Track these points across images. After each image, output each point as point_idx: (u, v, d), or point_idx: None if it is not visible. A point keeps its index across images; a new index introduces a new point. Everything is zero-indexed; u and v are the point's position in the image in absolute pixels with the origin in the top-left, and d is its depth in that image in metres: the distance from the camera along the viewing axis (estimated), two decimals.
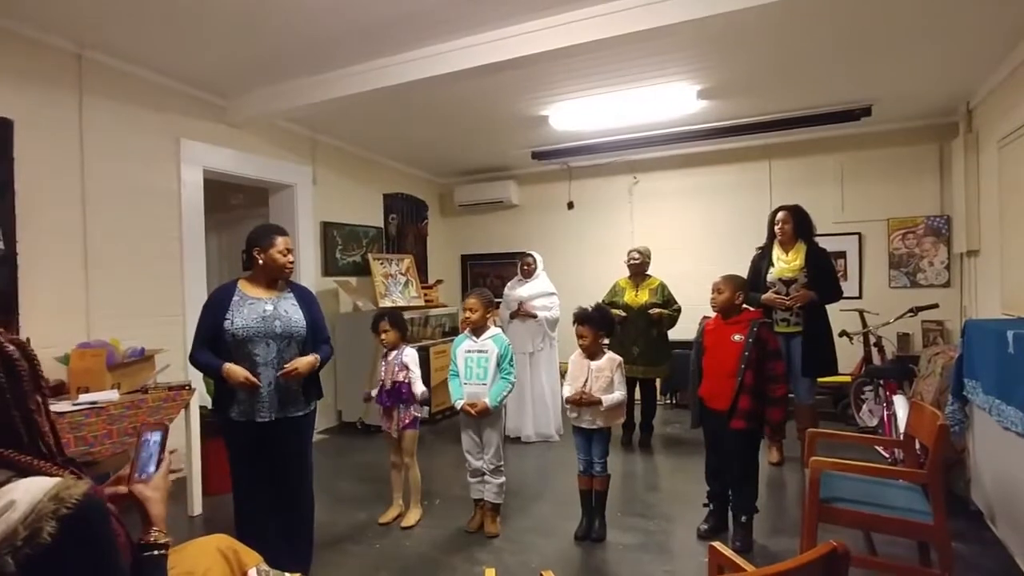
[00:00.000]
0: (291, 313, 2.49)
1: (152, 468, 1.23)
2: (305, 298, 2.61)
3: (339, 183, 5.64)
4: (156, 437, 1.27)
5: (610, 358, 2.96)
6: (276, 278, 2.52)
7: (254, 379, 2.34)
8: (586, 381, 2.92)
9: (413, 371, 3.18)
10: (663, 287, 4.60)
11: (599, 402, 2.85)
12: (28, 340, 3.01)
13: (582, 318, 2.98)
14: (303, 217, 5.17)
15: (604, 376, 2.91)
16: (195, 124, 4.18)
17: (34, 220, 3.17)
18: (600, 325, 2.96)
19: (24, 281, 3.09)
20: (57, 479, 0.89)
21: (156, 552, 1.14)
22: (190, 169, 4.11)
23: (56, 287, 3.31)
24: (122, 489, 1.20)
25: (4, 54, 3.11)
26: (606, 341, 3.09)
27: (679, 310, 4.55)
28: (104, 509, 0.94)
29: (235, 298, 2.42)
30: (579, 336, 2.99)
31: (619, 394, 2.90)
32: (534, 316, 4.66)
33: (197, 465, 3.43)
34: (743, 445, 2.82)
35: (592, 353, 2.97)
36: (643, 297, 4.55)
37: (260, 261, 2.46)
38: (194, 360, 2.44)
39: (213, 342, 2.39)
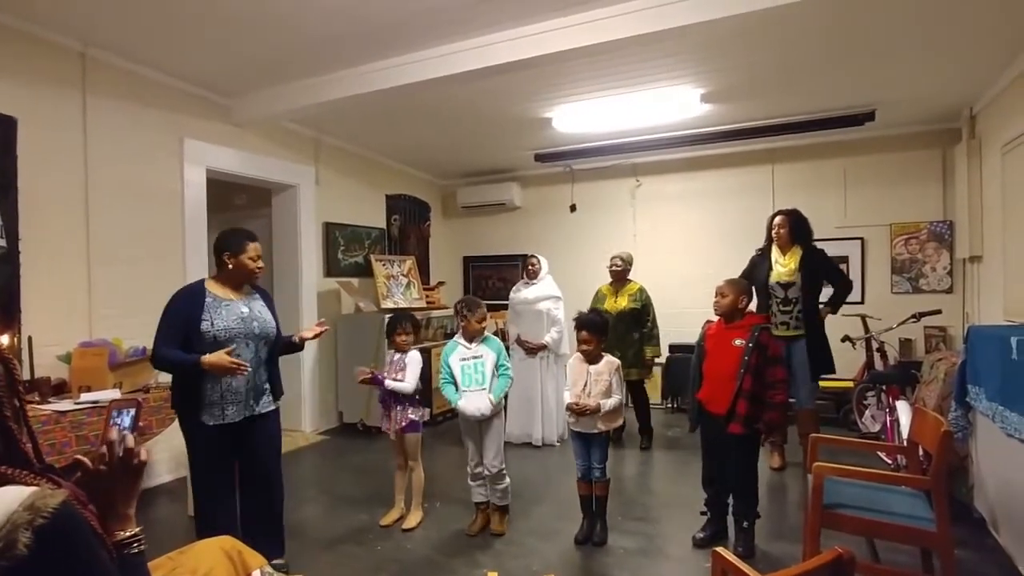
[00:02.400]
0: (264, 314, 2.57)
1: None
2: (269, 299, 2.69)
3: (342, 184, 5.65)
4: (128, 416, 1.16)
5: (608, 361, 2.96)
6: (244, 282, 2.56)
7: (239, 362, 2.33)
8: (585, 385, 2.93)
9: (409, 370, 3.18)
10: (642, 291, 4.64)
11: (597, 410, 2.85)
12: (30, 339, 3.01)
13: (584, 324, 2.97)
14: (305, 217, 5.18)
15: (603, 380, 2.91)
16: (199, 124, 4.18)
17: (37, 218, 3.17)
18: (600, 329, 2.98)
19: (27, 279, 3.09)
20: (33, 488, 0.87)
21: (134, 549, 1.08)
22: (193, 169, 4.12)
23: (59, 286, 3.31)
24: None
25: (8, 52, 3.12)
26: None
27: (654, 325, 4.61)
28: (81, 518, 0.91)
29: (208, 299, 2.41)
30: (583, 342, 2.98)
31: (616, 399, 2.90)
32: (544, 347, 4.66)
33: None
34: (742, 450, 2.81)
35: (593, 357, 2.97)
36: (622, 303, 4.61)
37: (230, 266, 2.49)
38: (162, 357, 2.33)
39: (184, 342, 2.34)
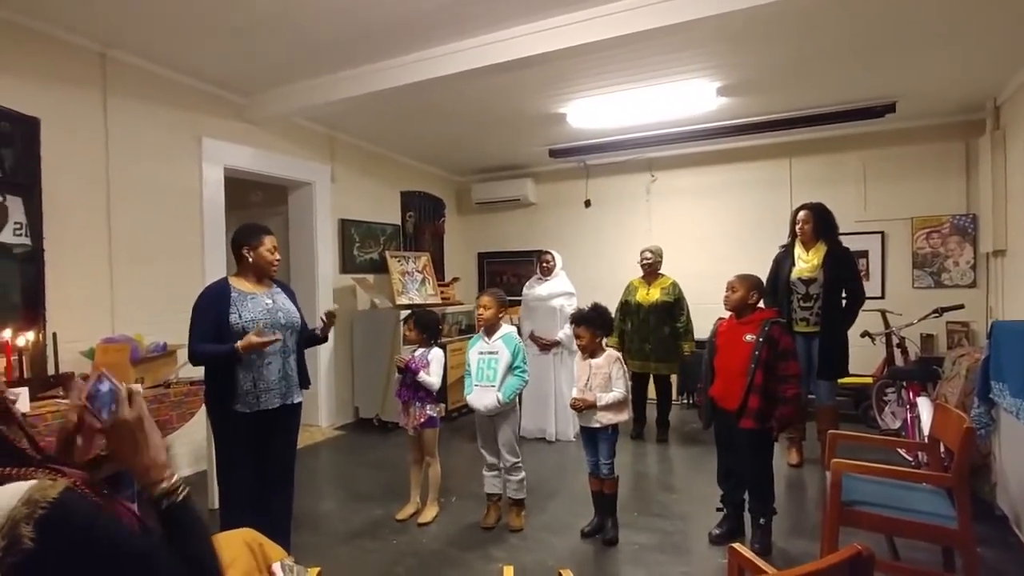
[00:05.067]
0: (288, 306, 2.66)
1: (107, 413, 1.03)
2: (291, 293, 2.76)
3: (357, 181, 5.68)
4: (105, 386, 1.04)
5: (608, 355, 2.97)
6: (264, 275, 2.62)
7: (269, 337, 2.41)
8: (587, 380, 2.94)
9: (432, 367, 3.20)
10: (675, 285, 4.67)
11: (594, 404, 2.86)
12: (55, 335, 3.07)
13: (577, 320, 3.00)
14: (321, 214, 5.22)
15: (602, 373, 2.92)
16: (216, 123, 4.23)
17: (60, 217, 3.23)
18: (596, 324, 2.97)
19: (51, 277, 3.15)
20: (31, 482, 0.87)
21: (177, 497, 1.02)
22: (211, 167, 4.17)
23: (81, 283, 3.37)
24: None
25: (31, 54, 3.18)
26: (605, 340, 3.09)
27: (688, 320, 4.66)
28: (85, 501, 0.90)
29: (233, 294, 2.49)
30: (577, 337, 3.02)
31: (617, 392, 2.88)
32: (557, 343, 4.65)
33: None
34: (755, 445, 2.79)
35: (591, 352, 2.98)
36: (655, 295, 4.63)
37: (250, 259, 2.56)
38: (199, 353, 2.43)
39: (215, 338, 2.42)
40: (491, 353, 3.11)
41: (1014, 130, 4.20)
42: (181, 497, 1.03)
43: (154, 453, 1.03)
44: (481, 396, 3.07)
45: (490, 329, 3.16)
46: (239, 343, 2.36)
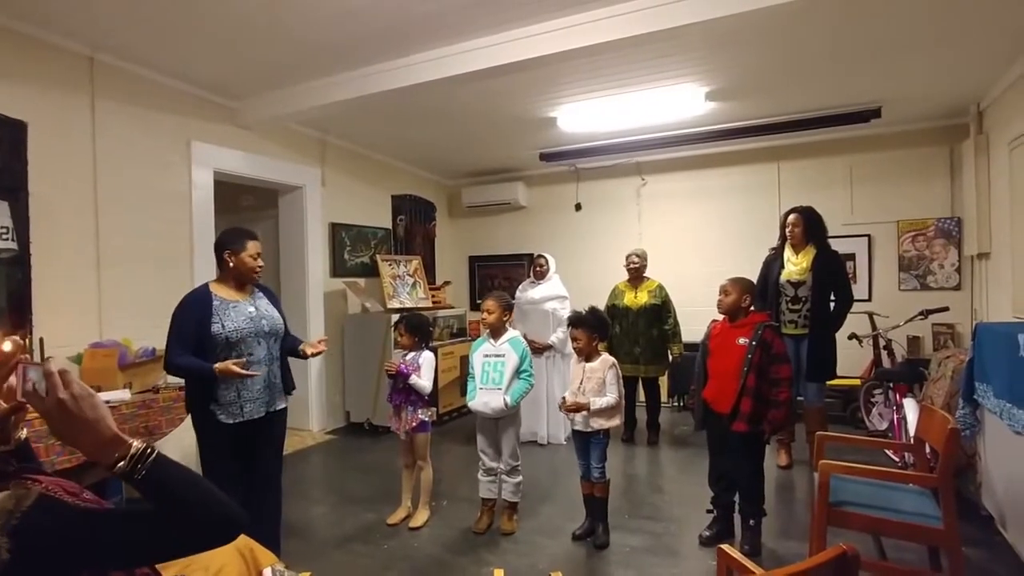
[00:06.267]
0: (271, 311, 2.61)
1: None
2: (273, 297, 2.71)
3: (348, 184, 5.67)
4: (33, 374, 1.00)
5: (603, 359, 2.98)
6: (245, 282, 2.57)
7: (250, 372, 2.39)
8: (580, 383, 2.95)
9: (423, 370, 3.20)
10: (661, 287, 4.70)
11: (586, 408, 2.86)
12: (42, 340, 3.03)
13: (575, 321, 3.02)
14: (312, 218, 5.20)
15: (596, 377, 2.93)
16: (206, 126, 4.21)
17: (47, 222, 3.20)
18: (593, 327, 2.98)
19: (37, 282, 3.12)
20: (3, 494, 0.88)
21: (147, 460, 0.95)
22: (201, 171, 4.15)
23: (69, 288, 3.34)
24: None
25: (18, 57, 3.15)
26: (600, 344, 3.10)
27: (676, 322, 4.68)
28: (59, 506, 0.91)
29: (215, 302, 2.44)
30: (573, 339, 3.03)
31: (610, 398, 2.89)
32: (550, 347, 4.67)
33: None
34: (746, 448, 2.81)
35: (587, 355, 2.99)
36: (642, 298, 4.66)
37: (231, 264, 2.51)
38: (177, 365, 2.37)
39: (197, 347, 2.38)
40: (497, 356, 3.11)
41: (997, 134, 4.27)
42: (152, 458, 0.95)
43: (101, 428, 0.95)
44: (486, 398, 3.06)
45: (496, 332, 3.16)
46: (218, 365, 2.31)
